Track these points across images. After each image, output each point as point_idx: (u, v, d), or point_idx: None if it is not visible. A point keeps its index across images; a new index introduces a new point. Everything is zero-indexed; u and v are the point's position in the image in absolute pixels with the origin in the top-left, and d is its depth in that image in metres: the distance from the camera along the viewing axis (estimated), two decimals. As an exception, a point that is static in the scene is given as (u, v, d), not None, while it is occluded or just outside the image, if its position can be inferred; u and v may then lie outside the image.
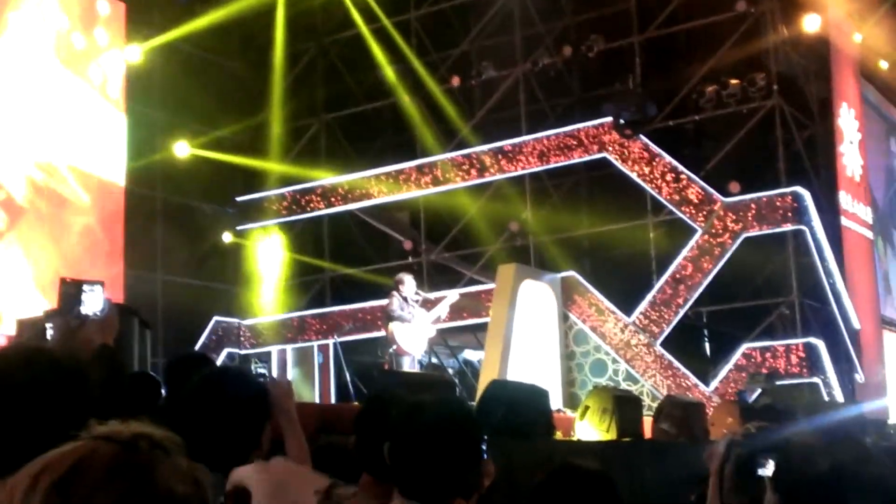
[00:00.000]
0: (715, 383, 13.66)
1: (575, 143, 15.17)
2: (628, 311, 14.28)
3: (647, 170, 14.55)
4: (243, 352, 16.93)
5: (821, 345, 13.48)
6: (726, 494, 2.24)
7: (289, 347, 16.88)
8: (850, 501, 1.61)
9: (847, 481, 1.62)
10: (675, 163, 14.44)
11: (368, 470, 2.86)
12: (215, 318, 16.74)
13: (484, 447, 3.65)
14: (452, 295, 12.56)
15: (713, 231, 14.05)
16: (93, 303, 3.43)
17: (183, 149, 16.30)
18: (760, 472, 2.09)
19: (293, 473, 1.38)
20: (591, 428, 7.69)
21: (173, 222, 16.24)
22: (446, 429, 2.39)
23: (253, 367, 15.43)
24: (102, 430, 1.22)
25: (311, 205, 17.12)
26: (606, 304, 14.34)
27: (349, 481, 2.92)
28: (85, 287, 3.47)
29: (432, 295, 12.87)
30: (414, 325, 11.69)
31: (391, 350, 11.70)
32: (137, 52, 15.50)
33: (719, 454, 2.26)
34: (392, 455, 2.37)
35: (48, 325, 3.43)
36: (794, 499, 1.67)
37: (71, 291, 3.40)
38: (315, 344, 16.53)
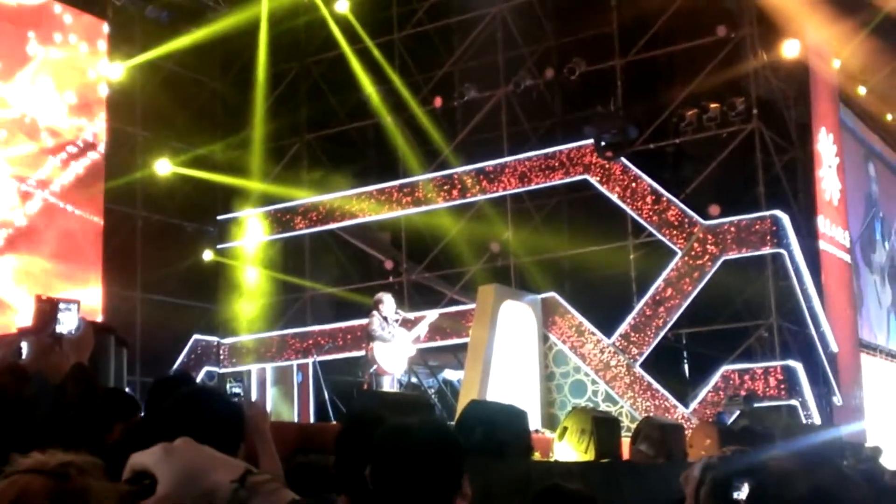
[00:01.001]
0: (694, 405, 13.69)
1: (556, 164, 15.23)
2: (608, 332, 14.31)
3: (627, 192, 14.62)
4: (222, 370, 16.86)
5: (799, 367, 13.55)
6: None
7: (268, 366, 16.82)
8: None
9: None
10: (655, 185, 14.51)
11: (347, 491, 2.85)
12: (195, 336, 16.67)
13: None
14: (432, 315, 12.58)
15: (693, 253, 14.12)
16: (68, 321, 3.42)
17: (164, 167, 16.26)
18: (736, 495, 2.09)
19: (204, 458, 1.36)
20: (569, 449, 7.69)
21: (153, 240, 16.18)
22: (429, 452, 2.38)
23: (228, 387, 15.34)
24: (28, 463, 1.23)
25: (293, 224, 17.11)
26: (586, 325, 14.37)
27: (326, 502, 2.92)
28: (61, 305, 3.45)
29: (412, 315, 12.86)
30: (394, 345, 11.69)
31: (372, 370, 11.68)
32: (119, 70, 15.49)
33: (694, 478, 2.26)
34: (374, 478, 2.35)
35: (23, 343, 3.41)
36: None
37: (46, 309, 3.38)
38: (295, 363, 16.49)
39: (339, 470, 2.87)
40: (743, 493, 2.03)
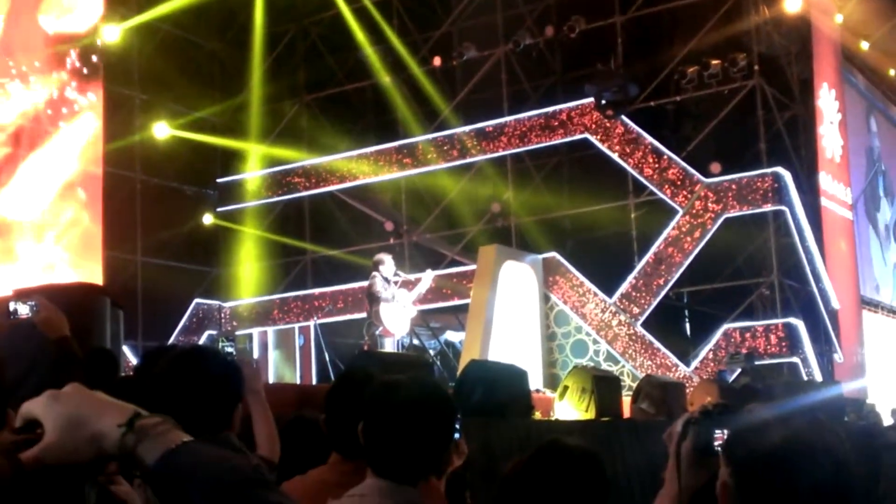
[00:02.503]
0: (695, 363, 13.71)
1: (556, 123, 15.15)
2: (609, 291, 14.30)
3: (628, 150, 14.55)
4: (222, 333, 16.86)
5: (800, 325, 13.55)
6: (685, 473, 2.23)
7: (270, 329, 16.84)
8: (802, 472, 1.60)
9: (799, 451, 1.61)
10: (656, 143, 14.44)
11: (337, 448, 2.85)
12: (196, 300, 16.67)
13: (457, 426, 3.64)
14: (430, 274, 12.54)
15: (694, 212, 14.07)
16: (23, 308, 3.45)
17: (162, 130, 16.18)
18: (718, 448, 2.08)
19: (91, 403, 1.34)
20: (570, 408, 7.68)
21: (153, 204, 16.12)
22: (420, 407, 2.38)
23: (220, 347, 15.32)
24: None
25: (292, 186, 17.06)
26: (588, 284, 14.36)
27: (319, 457, 2.91)
28: (10, 303, 3.49)
29: (412, 276, 12.83)
30: (396, 306, 11.67)
31: (378, 331, 11.67)
32: (115, 32, 15.34)
33: (676, 433, 2.25)
34: (365, 434, 2.35)
35: (12, 304, 3.44)
36: (745, 470, 1.66)
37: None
38: (296, 326, 16.50)
39: (330, 427, 2.86)
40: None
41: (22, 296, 3.63)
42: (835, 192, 15.90)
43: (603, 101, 14.68)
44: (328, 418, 2.87)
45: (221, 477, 1.23)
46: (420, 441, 2.35)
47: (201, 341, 16.29)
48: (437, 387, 2.54)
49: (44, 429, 1.28)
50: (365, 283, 12.37)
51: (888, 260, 19.48)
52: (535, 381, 12.12)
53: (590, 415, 7.59)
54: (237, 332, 16.69)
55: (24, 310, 3.45)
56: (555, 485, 2.58)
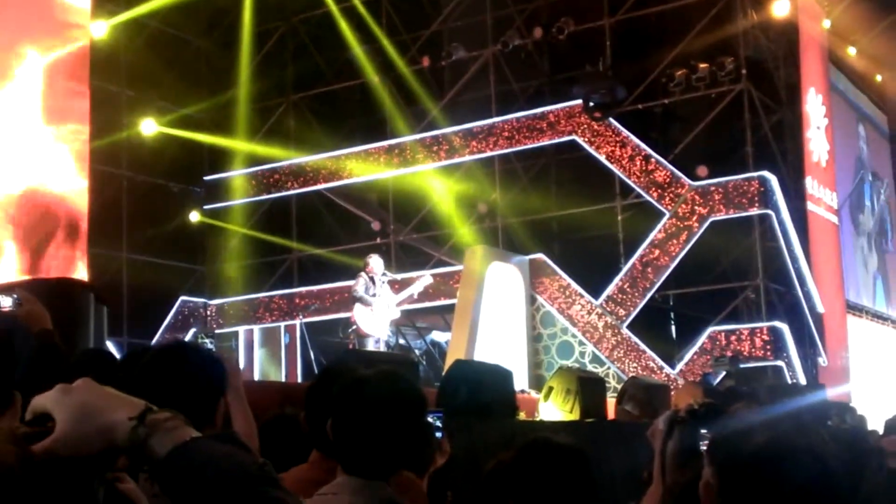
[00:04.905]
0: (680, 366, 13.74)
1: (544, 125, 15.16)
2: (596, 293, 14.31)
3: (615, 153, 14.56)
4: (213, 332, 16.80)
5: (785, 328, 13.59)
6: (670, 472, 2.23)
7: (256, 327, 16.78)
8: (785, 473, 1.60)
9: (782, 453, 1.61)
10: (643, 146, 14.46)
11: (318, 446, 2.82)
12: (181, 297, 16.62)
13: (440, 424, 3.61)
14: (425, 279, 12.52)
15: (680, 214, 14.09)
16: (5, 301, 3.45)
17: (149, 127, 16.11)
18: (703, 447, 2.08)
19: (102, 396, 1.35)
20: (554, 408, 7.68)
21: (139, 201, 16.04)
22: (387, 402, 2.36)
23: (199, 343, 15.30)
24: None
25: (280, 184, 17.01)
26: (574, 286, 14.37)
27: (301, 455, 2.89)
28: None
29: (399, 276, 12.82)
30: (376, 307, 11.65)
31: (351, 330, 11.68)
32: (103, 28, 15.26)
33: (660, 431, 2.25)
34: (334, 431, 2.33)
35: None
36: (728, 470, 1.66)
37: None
38: (282, 324, 16.46)
39: (311, 425, 2.84)
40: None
41: (4, 289, 3.61)
42: (821, 196, 15.96)
43: (591, 104, 14.69)
44: (308, 415, 2.85)
45: (230, 473, 1.24)
46: (388, 436, 2.33)
47: (187, 339, 16.25)
48: (404, 381, 2.51)
49: (55, 421, 1.29)
50: (351, 283, 12.37)
51: (869, 266, 19.55)
52: (521, 382, 12.12)
53: (574, 416, 7.59)
54: (223, 331, 16.66)
55: (6, 302, 3.44)
56: (542, 480, 2.57)
